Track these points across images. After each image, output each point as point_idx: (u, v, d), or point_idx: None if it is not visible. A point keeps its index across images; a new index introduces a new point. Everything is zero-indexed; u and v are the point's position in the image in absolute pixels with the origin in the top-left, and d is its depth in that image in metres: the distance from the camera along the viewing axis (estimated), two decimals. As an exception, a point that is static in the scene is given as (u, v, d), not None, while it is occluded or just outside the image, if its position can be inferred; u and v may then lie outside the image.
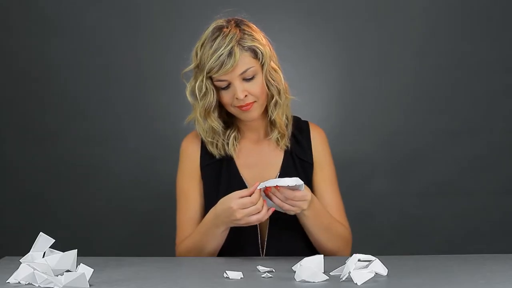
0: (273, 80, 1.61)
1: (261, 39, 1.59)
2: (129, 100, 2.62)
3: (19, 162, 2.62)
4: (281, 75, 1.62)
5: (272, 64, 1.60)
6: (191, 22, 2.55)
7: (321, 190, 1.69)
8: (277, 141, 1.68)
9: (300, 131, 1.72)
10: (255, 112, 1.60)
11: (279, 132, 1.67)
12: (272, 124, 1.68)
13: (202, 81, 1.57)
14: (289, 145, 1.69)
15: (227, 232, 1.56)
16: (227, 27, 1.56)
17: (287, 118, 1.69)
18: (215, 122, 1.64)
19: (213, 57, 1.53)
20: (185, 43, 2.57)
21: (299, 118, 1.76)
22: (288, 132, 1.69)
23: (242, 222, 1.47)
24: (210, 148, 1.68)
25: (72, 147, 2.61)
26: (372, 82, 2.62)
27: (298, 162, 1.69)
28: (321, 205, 1.59)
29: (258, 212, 1.46)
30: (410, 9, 2.61)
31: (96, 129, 2.61)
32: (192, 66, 1.61)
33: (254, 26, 1.62)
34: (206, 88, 1.58)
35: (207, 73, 1.55)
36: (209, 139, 1.66)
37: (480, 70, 2.61)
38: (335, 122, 2.57)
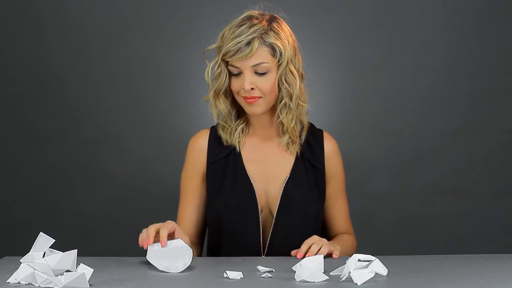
0: (287, 83, 1.60)
1: (286, 40, 1.59)
2: (128, 102, 2.61)
3: (19, 162, 2.63)
4: (298, 81, 1.61)
5: (291, 68, 1.60)
6: (191, 25, 2.56)
7: (333, 200, 1.74)
8: (287, 145, 1.68)
9: (314, 138, 1.72)
10: (259, 108, 1.61)
11: (289, 137, 1.67)
12: (284, 126, 1.68)
13: (218, 61, 1.60)
14: (299, 151, 1.69)
15: None
16: (257, 19, 1.58)
17: (302, 125, 1.69)
18: (223, 105, 1.65)
19: (232, 42, 1.55)
20: (184, 44, 2.60)
21: (313, 125, 1.76)
22: (301, 138, 1.70)
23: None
24: (221, 132, 1.69)
25: (72, 148, 2.61)
26: (373, 82, 2.62)
27: (309, 167, 1.69)
28: (336, 241, 1.64)
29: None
30: (410, 9, 2.61)
31: (95, 130, 2.61)
32: (214, 45, 1.63)
33: (287, 28, 1.63)
34: (221, 70, 1.60)
35: (223, 55, 1.57)
36: (222, 123, 1.68)
37: (480, 70, 2.61)
38: (335, 122, 2.57)
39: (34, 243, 1.22)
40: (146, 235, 1.39)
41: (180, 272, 1.33)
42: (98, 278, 1.25)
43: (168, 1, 2.61)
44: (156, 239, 1.40)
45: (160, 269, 1.34)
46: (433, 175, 2.63)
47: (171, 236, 1.43)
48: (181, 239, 1.39)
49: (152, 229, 1.40)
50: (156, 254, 1.35)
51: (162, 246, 1.36)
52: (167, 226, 1.40)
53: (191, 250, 1.36)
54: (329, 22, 2.61)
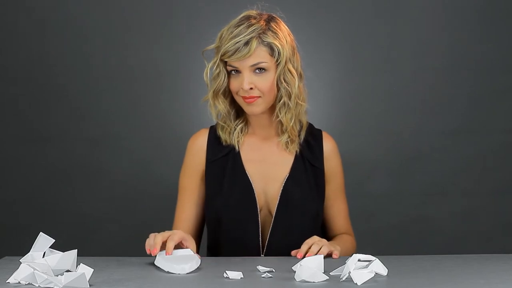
0: (286, 82, 1.60)
1: (284, 39, 1.59)
2: (128, 102, 2.61)
3: (19, 162, 2.63)
4: (297, 80, 1.61)
5: (290, 67, 1.60)
6: (190, 25, 2.56)
7: (332, 200, 1.74)
8: (287, 144, 1.68)
9: (313, 137, 1.72)
10: (258, 107, 1.61)
11: (288, 137, 1.67)
12: (283, 126, 1.68)
13: (216, 62, 1.60)
14: (298, 150, 1.69)
15: None
16: (255, 19, 1.58)
17: (301, 124, 1.69)
18: (222, 105, 1.65)
19: (230, 42, 1.55)
20: (184, 44, 2.60)
21: (312, 125, 1.76)
22: (300, 138, 1.70)
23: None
24: (220, 132, 1.69)
25: (72, 148, 2.61)
26: (372, 82, 2.62)
27: (309, 167, 1.69)
28: (336, 242, 1.64)
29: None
30: (410, 9, 2.62)
31: (95, 130, 2.61)
32: (213, 46, 1.63)
33: (285, 27, 1.63)
34: (219, 70, 1.61)
35: (221, 55, 1.58)
36: (221, 123, 1.68)
37: (480, 70, 2.61)
38: (335, 122, 2.57)
39: (34, 243, 1.22)
40: (153, 243, 1.39)
41: (185, 274, 1.33)
42: (98, 278, 1.25)
43: (168, 1, 2.61)
44: (163, 247, 1.40)
45: (166, 271, 1.34)
46: (433, 175, 2.63)
47: (178, 246, 1.43)
48: (190, 249, 1.40)
49: (159, 238, 1.39)
50: (164, 259, 1.36)
51: (166, 254, 1.37)
52: (174, 238, 1.40)
53: (200, 259, 1.37)
54: (328, 22, 2.61)
